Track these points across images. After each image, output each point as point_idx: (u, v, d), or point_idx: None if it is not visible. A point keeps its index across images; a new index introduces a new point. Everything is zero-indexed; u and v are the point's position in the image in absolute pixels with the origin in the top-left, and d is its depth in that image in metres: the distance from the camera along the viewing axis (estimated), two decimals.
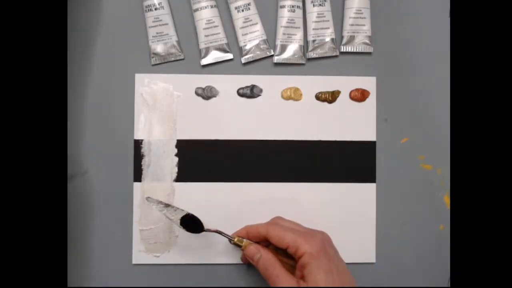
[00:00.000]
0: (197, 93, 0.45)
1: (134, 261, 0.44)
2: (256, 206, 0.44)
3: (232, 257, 0.44)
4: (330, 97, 0.45)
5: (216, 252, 0.44)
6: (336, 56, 0.45)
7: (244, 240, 0.40)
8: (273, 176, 0.44)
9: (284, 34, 0.44)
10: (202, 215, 0.43)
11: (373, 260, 0.44)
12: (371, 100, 0.45)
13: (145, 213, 0.44)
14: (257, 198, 0.44)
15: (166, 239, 0.44)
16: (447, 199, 0.45)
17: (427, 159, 0.45)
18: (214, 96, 0.45)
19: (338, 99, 0.45)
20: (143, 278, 0.44)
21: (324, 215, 0.44)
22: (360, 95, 0.45)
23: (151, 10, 0.44)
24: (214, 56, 0.44)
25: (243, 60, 0.45)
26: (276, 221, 0.41)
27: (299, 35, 0.44)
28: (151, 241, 0.44)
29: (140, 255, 0.44)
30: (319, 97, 0.45)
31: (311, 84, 0.45)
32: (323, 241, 0.37)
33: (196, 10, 0.44)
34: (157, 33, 0.44)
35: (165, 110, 0.44)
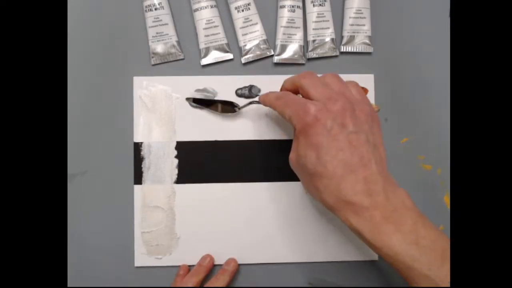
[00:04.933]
0: None
1: (136, 264, 0.44)
2: (257, 206, 0.44)
3: (236, 258, 0.44)
4: None
5: (217, 253, 0.44)
6: (336, 56, 0.45)
7: None
8: (273, 176, 0.44)
9: (284, 34, 0.44)
10: (202, 216, 0.43)
11: (375, 257, 0.44)
12: (369, 97, 0.45)
13: (146, 216, 0.44)
14: (258, 198, 0.44)
15: (167, 241, 0.44)
16: (447, 199, 0.45)
17: (427, 159, 0.45)
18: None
19: None
20: (145, 281, 0.44)
21: (326, 214, 0.44)
22: None
23: (151, 10, 0.44)
24: (214, 56, 0.44)
25: (243, 60, 0.45)
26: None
27: (299, 35, 0.44)
28: (152, 243, 0.43)
29: (142, 258, 0.44)
30: None
31: None
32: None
33: (196, 10, 0.44)
34: (157, 33, 0.44)
35: (164, 112, 0.44)
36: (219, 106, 0.44)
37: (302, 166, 0.33)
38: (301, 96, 0.35)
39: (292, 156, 0.34)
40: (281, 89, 0.39)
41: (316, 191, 0.32)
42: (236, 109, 0.43)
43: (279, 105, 0.35)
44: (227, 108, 0.43)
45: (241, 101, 0.44)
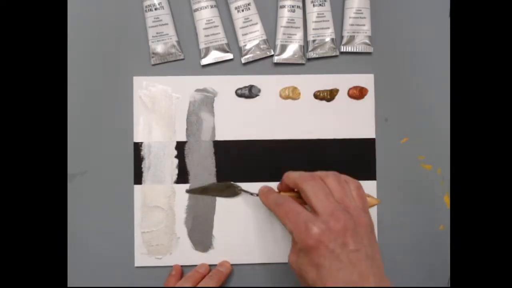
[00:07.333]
0: None
1: (136, 264, 0.44)
2: (255, 206, 0.44)
3: (233, 258, 0.44)
4: (328, 95, 0.45)
5: (218, 253, 0.44)
6: (336, 56, 0.45)
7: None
8: (272, 176, 0.44)
9: (284, 34, 0.44)
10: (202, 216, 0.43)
11: None
12: (370, 97, 0.45)
13: (146, 216, 0.44)
14: (256, 198, 0.44)
15: (167, 241, 0.43)
16: (447, 199, 0.45)
17: (427, 159, 0.45)
18: None
19: (337, 97, 0.45)
20: (145, 281, 0.43)
21: None
22: (358, 93, 0.45)
23: (151, 10, 0.44)
24: (214, 56, 0.44)
25: (243, 60, 0.45)
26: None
27: (299, 35, 0.44)
28: (152, 243, 0.43)
29: (142, 258, 0.43)
30: (317, 95, 0.45)
31: (309, 83, 0.45)
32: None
33: (196, 10, 0.44)
34: (157, 33, 0.44)
35: (164, 112, 0.44)
36: (220, 190, 0.44)
37: (303, 276, 0.34)
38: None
39: (292, 260, 0.35)
40: (282, 184, 0.39)
41: None
42: (238, 190, 0.43)
43: (279, 214, 0.36)
44: (229, 191, 0.43)
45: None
